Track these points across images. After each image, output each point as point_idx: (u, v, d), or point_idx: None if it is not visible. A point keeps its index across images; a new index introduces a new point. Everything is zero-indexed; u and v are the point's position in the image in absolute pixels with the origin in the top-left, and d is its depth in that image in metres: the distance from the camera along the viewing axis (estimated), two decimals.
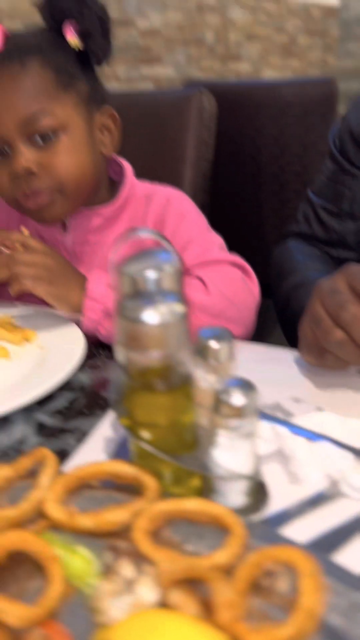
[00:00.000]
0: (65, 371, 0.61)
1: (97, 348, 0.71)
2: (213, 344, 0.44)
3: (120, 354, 0.40)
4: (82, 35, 0.73)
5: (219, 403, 0.41)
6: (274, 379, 0.61)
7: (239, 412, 0.40)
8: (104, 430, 0.55)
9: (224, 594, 0.33)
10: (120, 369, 0.42)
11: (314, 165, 1.73)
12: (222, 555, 0.36)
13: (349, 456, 0.47)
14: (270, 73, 2.75)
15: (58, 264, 0.71)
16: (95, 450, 0.52)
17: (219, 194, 1.48)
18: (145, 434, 0.42)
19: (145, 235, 0.41)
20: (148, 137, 0.81)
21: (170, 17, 1.99)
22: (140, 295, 0.39)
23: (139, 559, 0.37)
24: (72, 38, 0.72)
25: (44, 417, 0.58)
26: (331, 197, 0.90)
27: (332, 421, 0.52)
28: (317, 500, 0.45)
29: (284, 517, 0.43)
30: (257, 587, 0.36)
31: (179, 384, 0.41)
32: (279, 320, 0.90)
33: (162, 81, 2.30)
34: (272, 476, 0.46)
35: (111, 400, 0.47)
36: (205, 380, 0.44)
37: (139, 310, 0.38)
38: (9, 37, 0.72)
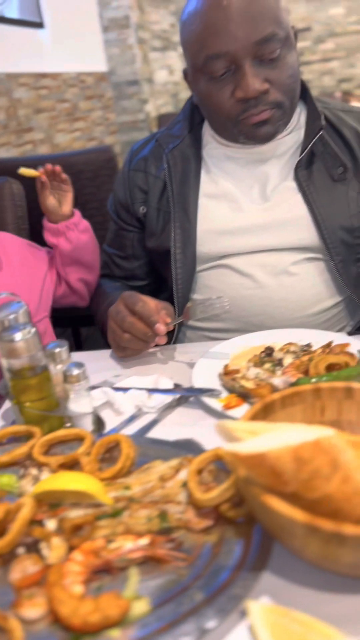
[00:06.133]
0: None
1: None
2: (56, 350, 0.79)
3: (4, 362, 0.72)
4: None
5: (66, 375, 0.75)
6: (103, 365, 0.97)
7: (78, 378, 0.75)
8: None
9: (87, 460, 0.67)
10: (5, 373, 0.74)
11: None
12: (84, 447, 0.70)
13: (144, 393, 0.84)
14: (61, 136, 3.16)
15: None
16: None
17: None
18: (28, 404, 0.75)
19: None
20: None
21: None
22: (9, 328, 0.72)
23: (38, 465, 0.69)
24: None
25: None
26: (119, 247, 1.28)
27: (135, 380, 0.89)
28: (131, 419, 0.81)
29: (114, 431, 0.79)
30: (104, 456, 0.70)
31: (40, 372, 0.75)
32: (101, 332, 1.26)
33: None
34: (105, 413, 0.81)
35: (2, 392, 0.77)
36: (55, 369, 0.78)
37: (12, 335, 0.71)
38: None
